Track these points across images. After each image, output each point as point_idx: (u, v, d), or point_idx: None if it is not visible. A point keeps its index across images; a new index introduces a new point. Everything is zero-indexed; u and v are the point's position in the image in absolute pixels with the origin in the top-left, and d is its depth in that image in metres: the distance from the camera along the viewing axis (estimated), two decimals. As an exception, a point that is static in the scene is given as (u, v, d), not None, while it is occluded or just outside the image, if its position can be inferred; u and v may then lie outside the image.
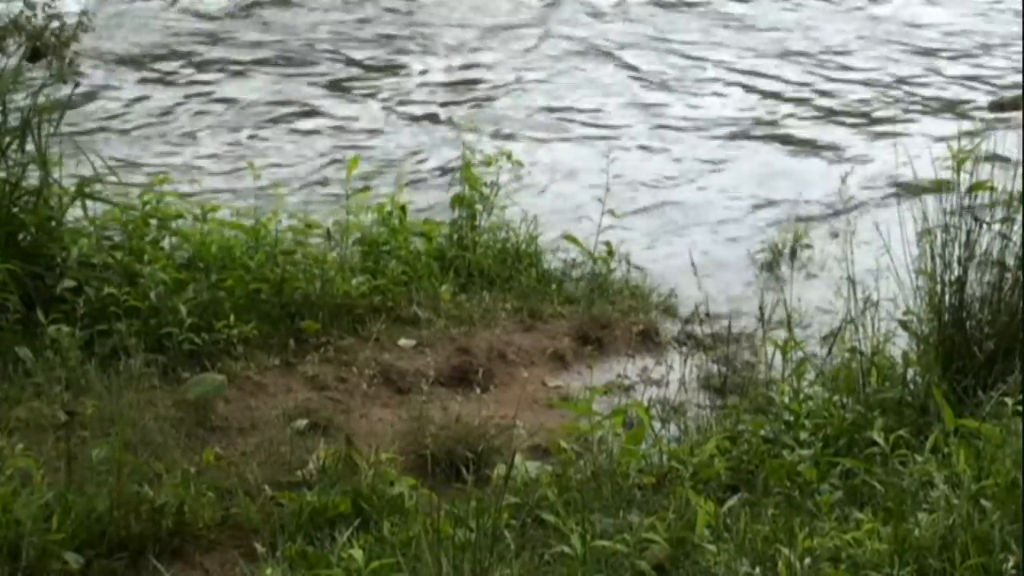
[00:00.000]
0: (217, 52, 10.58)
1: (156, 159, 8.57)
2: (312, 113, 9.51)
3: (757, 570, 3.91)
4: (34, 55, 6.11)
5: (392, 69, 10.34)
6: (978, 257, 5.25)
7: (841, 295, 5.58)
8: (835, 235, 7.37)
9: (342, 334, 6.08)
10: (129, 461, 4.53)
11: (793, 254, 7.47)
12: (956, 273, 5.24)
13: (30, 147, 6.00)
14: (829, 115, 9.79)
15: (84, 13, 6.16)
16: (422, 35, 11.05)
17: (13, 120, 6.00)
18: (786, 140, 9.30)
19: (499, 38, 11.08)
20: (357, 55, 10.57)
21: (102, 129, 8.93)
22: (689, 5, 11.95)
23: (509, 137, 9.08)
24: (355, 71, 10.29)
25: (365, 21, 11.28)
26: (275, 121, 9.33)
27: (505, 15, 11.60)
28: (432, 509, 4.28)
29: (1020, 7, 11.18)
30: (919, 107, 9.93)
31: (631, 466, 4.79)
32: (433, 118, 9.50)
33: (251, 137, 9.07)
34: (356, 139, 9.09)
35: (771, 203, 8.23)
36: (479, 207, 7.05)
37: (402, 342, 6.12)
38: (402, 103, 9.76)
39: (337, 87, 10.01)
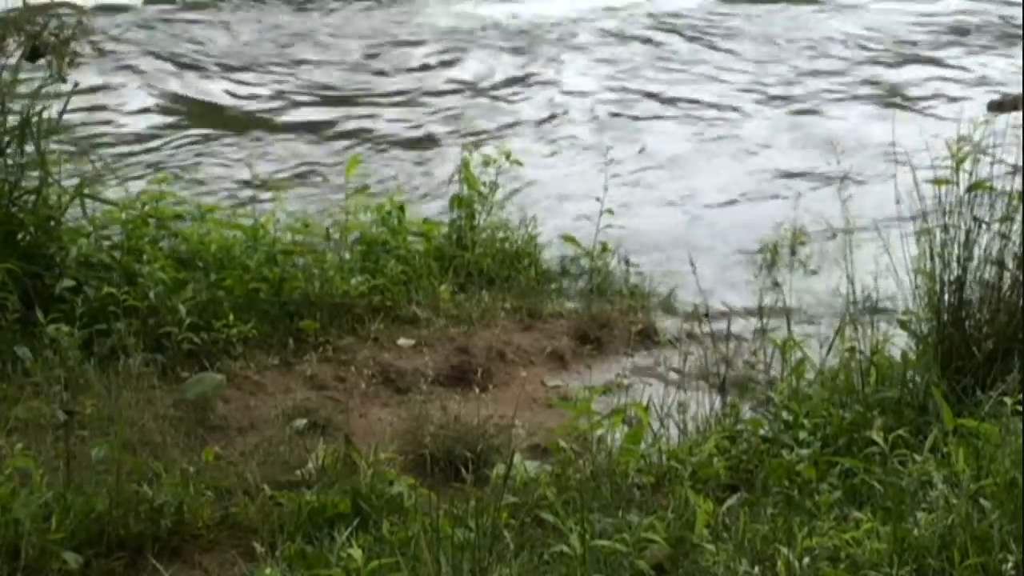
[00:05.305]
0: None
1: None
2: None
3: (756, 569, 3.91)
4: (34, 55, 6.09)
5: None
6: (977, 257, 5.25)
7: (840, 294, 5.57)
8: (834, 235, 7.36)
9: (341, 333, 6.08)
10: (128, 460, 4.53)
11: (792, 253, 7.47)
12: (955, 273, 5.24)
13: (30, 147, 6.00)
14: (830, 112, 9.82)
15: (83, 12, 6.13)
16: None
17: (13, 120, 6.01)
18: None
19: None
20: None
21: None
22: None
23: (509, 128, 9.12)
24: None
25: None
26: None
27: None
28: (431, 509, 4.28)
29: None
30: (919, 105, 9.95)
31: (630, 466, 4.79)
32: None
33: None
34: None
35: (772, 201, 8.24)
36: (478, 207, 7.05)
37: (401, 341, 6.12)
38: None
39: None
